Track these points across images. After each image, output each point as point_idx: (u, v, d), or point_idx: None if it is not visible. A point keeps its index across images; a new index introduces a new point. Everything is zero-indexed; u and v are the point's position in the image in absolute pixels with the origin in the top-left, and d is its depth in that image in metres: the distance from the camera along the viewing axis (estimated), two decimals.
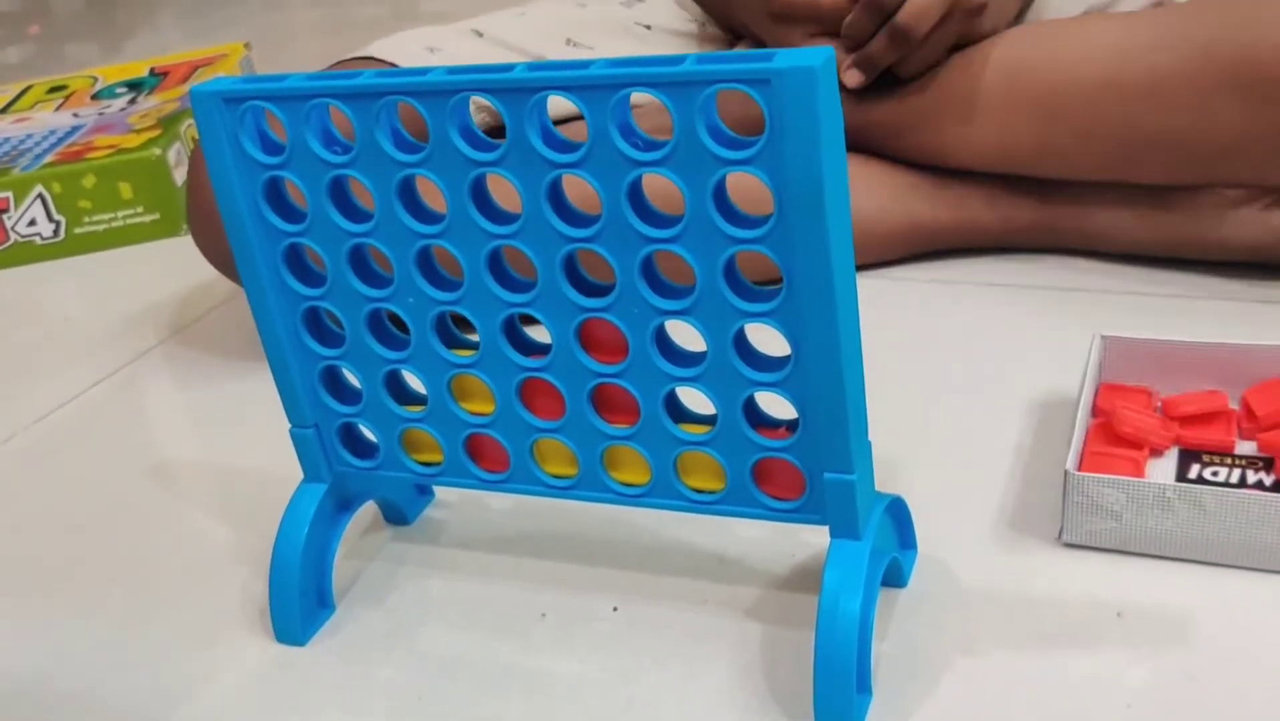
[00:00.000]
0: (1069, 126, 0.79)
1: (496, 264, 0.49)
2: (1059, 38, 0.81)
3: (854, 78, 0.83)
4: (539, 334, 0.51)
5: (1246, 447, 0.60)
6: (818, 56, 0.38)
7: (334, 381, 0.56)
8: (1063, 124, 0.79)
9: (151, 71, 1.48)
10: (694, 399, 0.49)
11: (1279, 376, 0.60)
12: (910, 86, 0.84)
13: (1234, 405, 0.61)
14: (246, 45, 1.56)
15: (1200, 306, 0.76)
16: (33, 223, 1.17)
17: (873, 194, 0.86)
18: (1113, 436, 0.60)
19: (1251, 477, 0.57)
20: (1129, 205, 0.81)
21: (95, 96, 1.41)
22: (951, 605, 0.53)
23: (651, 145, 0.43)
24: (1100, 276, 0.81)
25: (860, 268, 0.85)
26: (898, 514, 0.54)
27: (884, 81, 0.84)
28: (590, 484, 0.52)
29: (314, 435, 0.56)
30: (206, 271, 1.04)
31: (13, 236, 1.17)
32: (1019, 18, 0.90)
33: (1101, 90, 0.77)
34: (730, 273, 0.44)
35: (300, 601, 0.56)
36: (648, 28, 0.96)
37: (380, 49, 0.91)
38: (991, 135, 0.82)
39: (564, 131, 0.45)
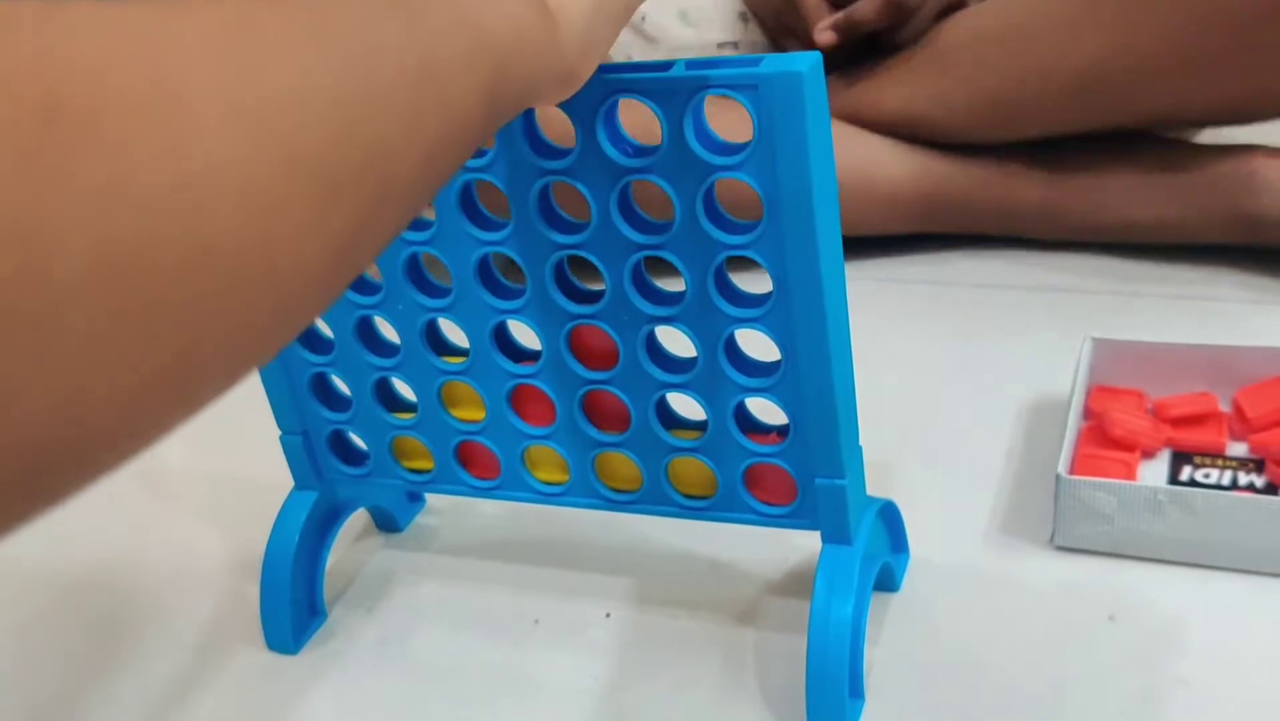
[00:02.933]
0: (957, 77, 0.82)
1: (485, 271, 0.49)
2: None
3: (826, 37, 0.85)
4: (529, 340, 0.51)
5: (1238, 449, 0.60)
6: (805, 62, 0.38)
7: (323, 388, 0.56)
8: (951, 77, 0.82)
9: None
10: (685, 405, 0.49)
11: (1270, 378, 0.61)
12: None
13: (1225, 407, 0.61)
14: None
15: (1191, 307, 0.76)
16: None
17: (872, 152, 0.86)
18: (1104, 439, 0.60)
19: (1243, 480, 0.57)
20: (1145, 178, 0.81)
21: None
22: (944, 609, 0.53)
23: (640, 152, 0.43)
24: (1091, 277, 0.81)
25: (863, 241, 0.86)
26: (889, 518, 0.54)
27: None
28: (581, 490, 0.52)
29: (304, 442, 0.56)
30: None
31: None
32: None
33: (984, 38, 0.81)
34: (720, 279, 0.44)
35: (291, 609, 0.56)
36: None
37: None
38: (895, 94, 0.85)
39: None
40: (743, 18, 0.96)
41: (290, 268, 0.24)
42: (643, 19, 0.94)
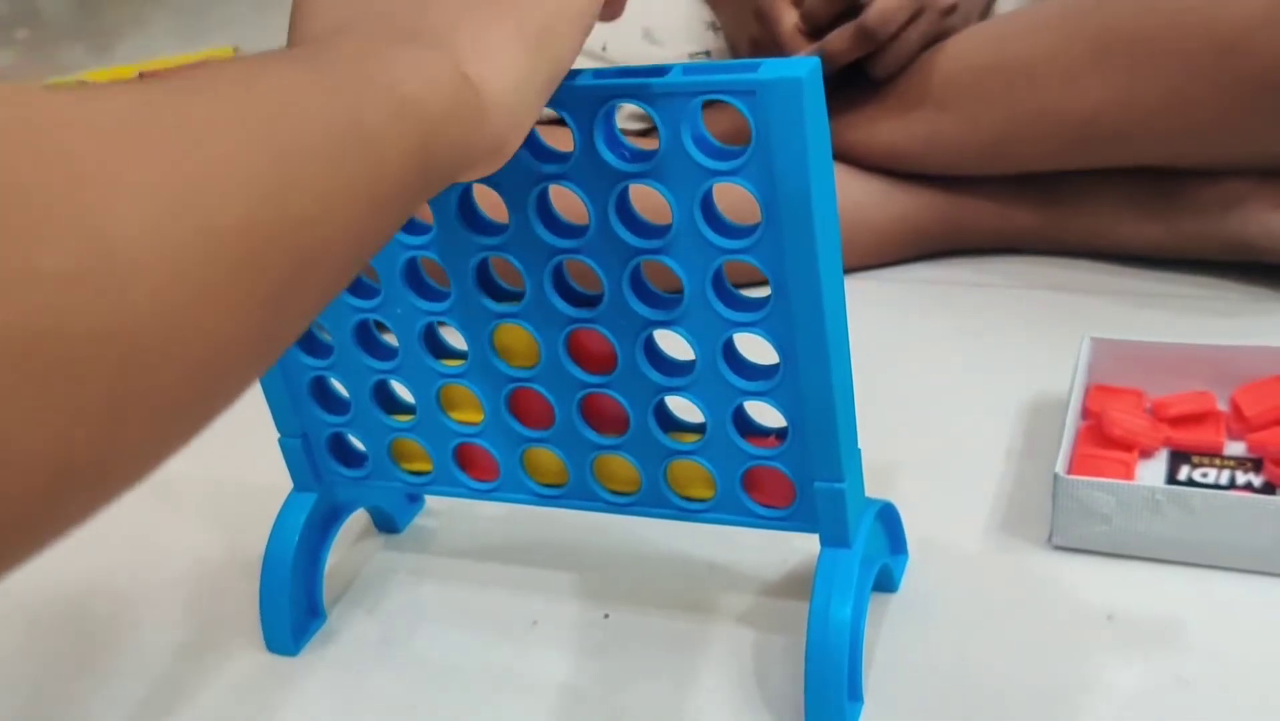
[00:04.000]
0: (955, 114, 0.81)
1: (484, 274, 0.49)
2: (961, 35, 0.84)
3: None
4: None
5: (1236, 448, 0.60)
6: (803, 67, 0.38)
7: (322, 391, 0.56)
8: (950, 112, 0.81)
9: (140, 76, 1.47)
10: (683, 408, 0.49)
11: (1268, 377, 0.61)
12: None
13: (1223, 406, 0.62)
14: (236, 49, 1.55)
15: (1189, 306, 0.76)
16: None
17: (863, 192, 0.86)
18: (1102, 438, 0.60)
19: (1241, 479, 0.57)
20: (1135, 203, 0.81)
21: None
22: (943, 610, 0.53)
23: (638, 156, 0.43)
24: (1089, 277, 0.81)
25: (851, 270, 0.86)
26: (888, 519, 0.54)
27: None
28: (580, 493, 0.52)
29: (303, 445, 0.56)
30: None
31: None
32: (986, 13, 0.91)
33: (984, 75, 0.80)
34: (718, 282, 0.44)
35: (291, 611, 0.56)
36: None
37: None
38: (889, 130, 0.84)
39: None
40: (712, 27, 0.96)
41: (212, 336, 0.24)
42: (603, 48, 0.93)
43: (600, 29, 0.93)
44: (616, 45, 0.93)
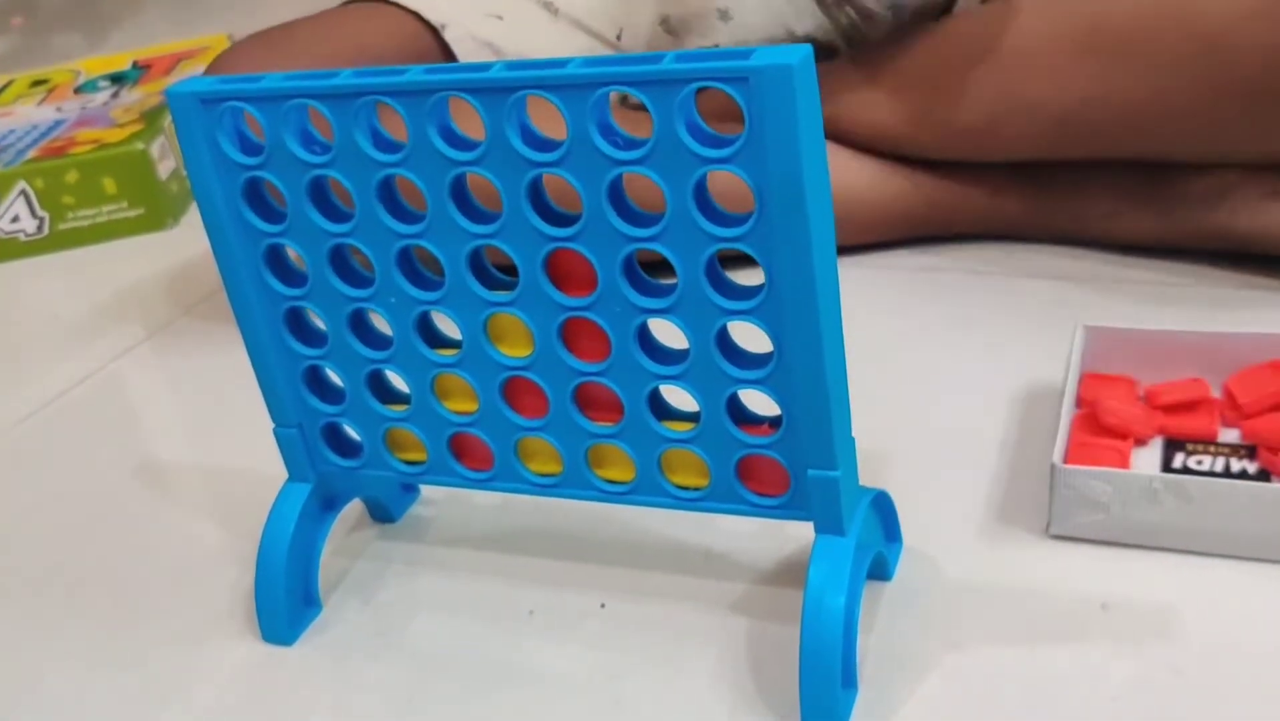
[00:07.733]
0: (945, 97, 0.81)
1: (478, 263, 0.49)
2: (957, 16, 0.84)
3: None
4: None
5: (1229, 435, 0.60)
6: (795, 54, 0.38)
7: (317, 381, 0.56)
8: (939, 95, 0.81)
9: (134, 64, 1.47)
10: (677, 396, 0.49)
11: (1261, 363, 0.61)
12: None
13: (1216, 393, 0.62)
14: (230, 37, 1.55)
15: (1182, 294, 0.76)
16: (16, 219, 1.16)
17: (857, 172, 0.86)
18: (1097, 426, 0.60)
19: (1235, 466, 0.57)
20: (1125, 192, 0.81)
21: (78, 90, 1.41)
22: (937, 598, 0.53)
23: (631, 144, 0.43)
24: (1082, 265, 0.81)
25: (843, 249, 0.85)
26: (883, 508, 0.54)
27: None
28: (575, 482, 0.52)
29: (298, 434, 0.56)
30: (191, 266, 1.04)
31: None
32: None
33: (974, 60, 0.80)
34: (712, 271, 0.44)
35: (287, 600, 0.56)
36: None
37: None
38: (879, 110, 0.84)
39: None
40: (721, 16, 0.95)
41: None
42: (618, 36, 0.93)
43: (617, 17, 0.93)
44: (631, 34, 0.93)
